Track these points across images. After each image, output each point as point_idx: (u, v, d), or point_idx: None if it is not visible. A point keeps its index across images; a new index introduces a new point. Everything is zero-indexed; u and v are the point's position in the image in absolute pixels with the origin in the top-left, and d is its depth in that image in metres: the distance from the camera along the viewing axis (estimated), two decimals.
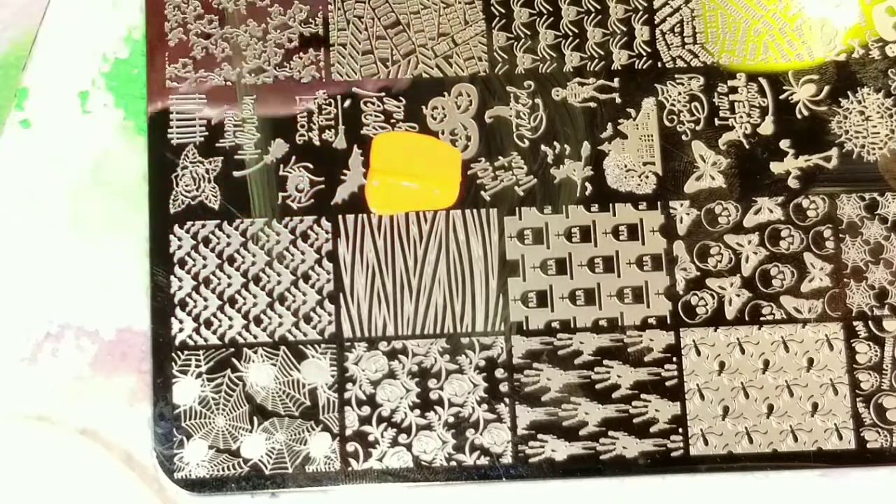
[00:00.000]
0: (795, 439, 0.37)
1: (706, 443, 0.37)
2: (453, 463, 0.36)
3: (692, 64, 0.39)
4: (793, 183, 0.38)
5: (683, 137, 0.38)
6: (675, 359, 0.37)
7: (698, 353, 0.37)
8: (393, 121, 0.38)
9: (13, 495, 0.35)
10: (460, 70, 0.39)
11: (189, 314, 0.37)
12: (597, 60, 0.39)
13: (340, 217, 0.38)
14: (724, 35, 0.39)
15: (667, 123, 0.38)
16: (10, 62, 0.35)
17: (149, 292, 0.37)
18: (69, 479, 0.35)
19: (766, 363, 0.37)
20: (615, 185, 0.38)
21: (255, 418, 0.36)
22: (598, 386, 0.37)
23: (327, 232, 0.37)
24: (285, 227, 0.37)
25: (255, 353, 0.37)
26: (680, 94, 0.39)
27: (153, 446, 0.36)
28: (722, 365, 0.37)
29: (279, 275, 0.37)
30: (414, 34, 0.39)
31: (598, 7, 0.39)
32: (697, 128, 0.38)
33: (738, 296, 0.37)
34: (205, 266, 0.37)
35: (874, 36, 0.39)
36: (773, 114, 0.39)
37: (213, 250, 0.37)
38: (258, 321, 0.37)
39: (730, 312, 0.37)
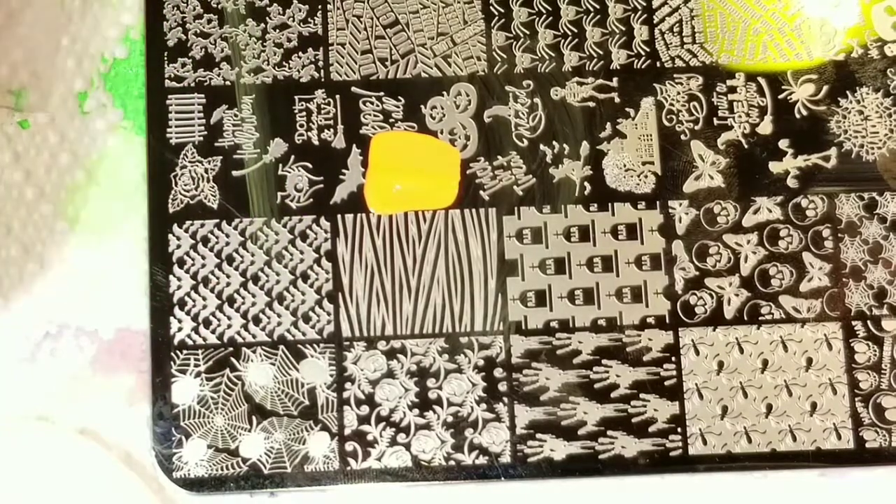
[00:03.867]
0: (794, 439, 0.37)
1: (705, 442, 0.37)
2: (452, 462, 0.36)
3: (691, 63, 0.39)
4: (792, 182, 0.38)
5: (682, 137, 0.38)
6: (673, 358, 0.37)
7: (697, 352, 0.37)
8: (392, 120, 0.38)
9: (13, 495, 0.35)
10: (459, 70, 0.39)
11: (188, 313, 0.37)
12: (596, 60, 0.39)
13: (339, 216, 0.38)
14: (723, 35, 0.39)
15: (666, 123, 0.38)
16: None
17: (148, 292, 0.37)
18: (68, 479, 0.35)
19: (765, 363, 0.37)
20: (614, 185, 0.38)
21: (253, 418, 0.36)
22: (596, 385, 0.37)
23: (326, 231, 0.37)
24: (284, 226, 0.37)
25: (254, 352, 0.37)
26: (679, 93, 0.39)
27: (152, 445, 0.36)
28: (721, 364, 0.37)
29: (278, 274, 0.37)
30: (413, 34, 0.39)
31: (597, 7, 0.39)
32: (696, 127, 0.38)
33: (737, 295, 0.37)
34: (204, 265, 0.37)
35: (873, 35, 0.39)
36: (771, 113, 0.38)
37: (211, 250, 0.37)
38: (257, 321, 0.37)
39: (728, 312, 0.37)
